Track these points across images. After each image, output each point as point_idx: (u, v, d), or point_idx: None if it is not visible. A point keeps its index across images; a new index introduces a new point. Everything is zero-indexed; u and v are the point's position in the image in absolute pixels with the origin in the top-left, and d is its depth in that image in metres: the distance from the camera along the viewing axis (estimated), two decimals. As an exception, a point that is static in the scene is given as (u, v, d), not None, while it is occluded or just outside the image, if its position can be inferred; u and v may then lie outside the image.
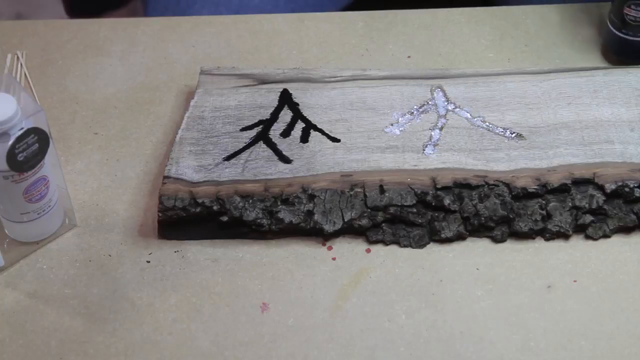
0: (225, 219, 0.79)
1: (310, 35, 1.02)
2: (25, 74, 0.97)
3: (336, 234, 0.80)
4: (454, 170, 0.81)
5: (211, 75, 0.92)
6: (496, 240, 0.80)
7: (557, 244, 0.80)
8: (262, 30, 1.03)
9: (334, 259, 0.79)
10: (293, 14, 1.06)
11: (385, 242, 0.80)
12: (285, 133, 0.86)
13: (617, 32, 0.92)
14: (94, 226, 0.82)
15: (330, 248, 0.80)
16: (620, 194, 0.80)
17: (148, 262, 0.79)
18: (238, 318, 0.74)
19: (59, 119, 0.92)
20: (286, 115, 0.88)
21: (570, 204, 0.80)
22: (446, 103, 0.89)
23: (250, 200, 0.79)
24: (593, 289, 0.76)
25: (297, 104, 0.89)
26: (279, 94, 0.90)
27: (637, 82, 0.90)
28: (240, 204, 0.79)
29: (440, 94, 0.90)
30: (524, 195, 0.80)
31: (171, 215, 0.79)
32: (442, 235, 0.79)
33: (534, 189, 0.80)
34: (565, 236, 0.80)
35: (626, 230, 0.80)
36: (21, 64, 0.98)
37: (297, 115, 0.88)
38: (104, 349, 0.73)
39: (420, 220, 0.80)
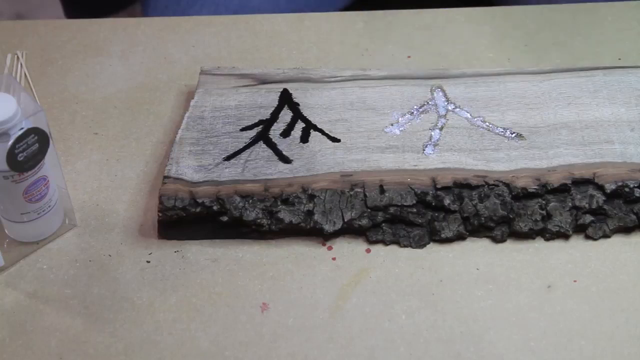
0: (225, 219, 0.79)
1: (310, 35, 1.03)
2: (25, 74, 0.97)
3: (336, 234, 0.80)
4: (454, 170, 0.81)
5: (211, 75, 0.92)
6: (496, 240, 0.80)
7: (557, 244, 0.80)
8: (262, 30, 1.03)
9: (334, 259, 0.79)
10: (293, 14, 1.06)
11: (385, 242, 0.80)
12: (285, 133, 0.86)
13: None
14: (94, 226, 0.82)
15: (330, 248, 0.80)
16: (620, 194, 0.80)
17: (148, 262, 0.79)
18: (238, 318, 0.74)
19: (59, 119, 0.92)
20: (286, 115, 0.88)
21: (570, 204, 0.80)
22: (446, 103, 0.89)
23: (250, 200, 0.79)
24: (593, 289, 0.76)
25: (297, 104, 0.89)
26: (279, 94, 0.90)
27: (637, 82, 0.90)
28: (240, 204, 0.79)
29: (440, 94, 0.90)
30: (524, 195, 0.80)
31: (171, 215, 0.79)
32: (442, 235, 0.79)
33: (534, 189, 0.80)
34: (565, 236, 0.80)
35: (626, 230, 0.80)
36: (21, 64, 0.98)
37: (297, 115, 0.88)
38: (104, 349, 0.73)
39: (420, 220, 0.80)
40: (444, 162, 0.82)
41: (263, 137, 0.85)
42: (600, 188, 0.80)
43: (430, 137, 0.85)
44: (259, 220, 0.79)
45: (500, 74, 0.92)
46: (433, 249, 0.79)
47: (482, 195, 0.80)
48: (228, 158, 0.83)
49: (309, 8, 1.15)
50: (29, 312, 0.75)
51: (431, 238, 0.80)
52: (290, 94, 0.90)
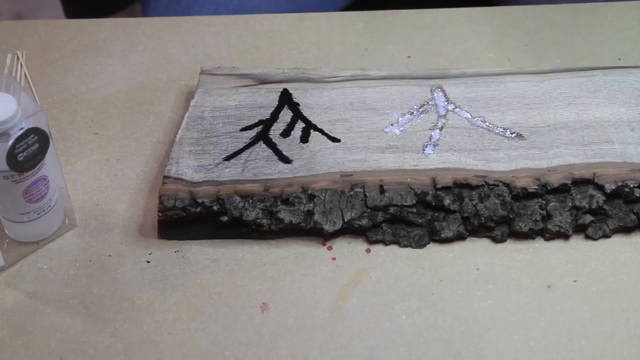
0: (225, 219, 0.79)
1: (310, 35, 1.03)
2: (25, 74, 0.97)
3: (336, 234, 0.80)
4: (454, 170, 0.81)
5: (211, 75, 0.92)
6: (496, 240, 0.80)
7: (557, 244, 0.80)
8: (262, 30, 1.03)
9: (334, 259, 0.79)
10: (293, 14, 1.06)
11: (385, 242, 0.80)
12: (285, 133, 0.86)
13: None
14: (94, 226, 0.82)
15: (330, 248, 0.80)
16: (620, 194, 0.80)
17: (148, 262, 0.79)
18: (238, 318, 0.74)
19: (59, 119, 0.92)
20: (286, 115, 0.88)
21: (570, 204, 0.80)
22: (446, 103, 0.89)
23: (250, 200, 0.79)
24: (593, 289, 0.76)
25: (297, 104, 0.89)
26: (279, 94, 0.90)
27: (637, 82, 0.90)
28: (240, 204, 0.79)
29: (440, 94, 0.90)
30: (524, 195, 0.80)
31: (171, 215, 0.79)
32: (442, 235, 0.79)
33: (534, 189, 0.80)
34: (565, 236, 0.80)
35: (626, 230, 0.80)
36: (21, 64, 0.98)
37: (297, 115, 0.88)
38: (104, 349, 0.73)
39: (420, 220, 0.80)
40: (444, 162, 0.82)
41: (263, 137, 0.85)
42: (600, 188, 0.80)
43: (430, 137, 0.85)
44: (259, 220, 0.79)
45: (500, 74, 0.92)
46: (433, 249, 0.79)
47: (482, 195, 0.80)
48: (228, 158, 0.83)
49: (309, 8, 1.16)
50: (29, 312, 0.75)
51: (431, 238, 0.80)
52: (290, 94, 0.90)
